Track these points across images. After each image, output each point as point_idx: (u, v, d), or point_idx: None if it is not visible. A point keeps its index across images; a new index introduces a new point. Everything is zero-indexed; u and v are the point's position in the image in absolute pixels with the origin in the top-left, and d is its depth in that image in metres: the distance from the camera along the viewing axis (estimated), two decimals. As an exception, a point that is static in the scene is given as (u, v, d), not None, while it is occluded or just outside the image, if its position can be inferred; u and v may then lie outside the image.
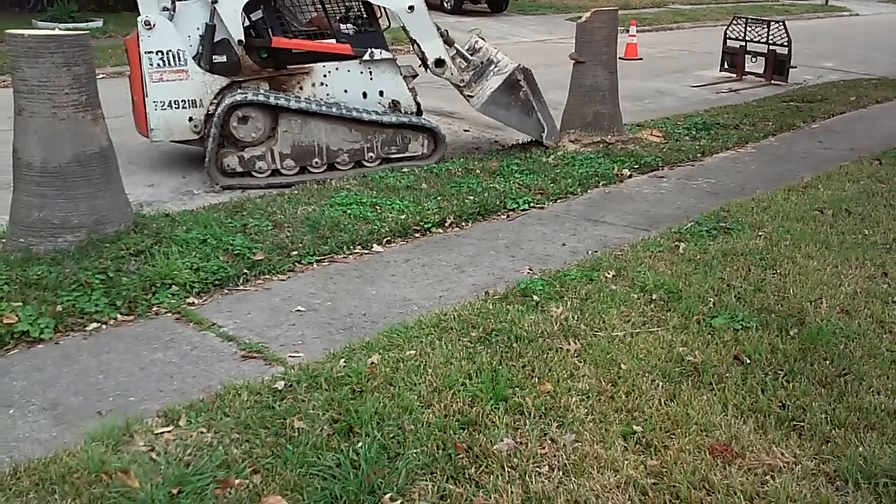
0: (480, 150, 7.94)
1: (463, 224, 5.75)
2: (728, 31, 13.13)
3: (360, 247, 5.22)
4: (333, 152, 6.84)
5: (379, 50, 6.96)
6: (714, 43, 14.59)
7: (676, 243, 5.13)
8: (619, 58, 7.99)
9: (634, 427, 3.09)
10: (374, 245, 5.28)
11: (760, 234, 5.29)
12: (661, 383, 3.40)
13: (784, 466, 2.89)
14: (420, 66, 7.37)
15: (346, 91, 6.98)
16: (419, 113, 7.32)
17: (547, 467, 2.86)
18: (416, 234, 5.52)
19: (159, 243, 4.73)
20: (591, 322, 3.95)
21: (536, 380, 3.41)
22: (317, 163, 6.83)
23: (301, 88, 6.92)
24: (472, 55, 7.67)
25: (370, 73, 7.01)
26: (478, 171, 6.80)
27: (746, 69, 12.90)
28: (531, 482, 2.77)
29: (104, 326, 4.03)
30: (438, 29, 7.29)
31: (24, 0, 17.20)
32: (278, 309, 4.31)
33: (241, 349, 3.84)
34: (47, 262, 4.39)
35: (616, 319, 3.98)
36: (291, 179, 6.75)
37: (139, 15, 6.40)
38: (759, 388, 3.38)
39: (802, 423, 3.14)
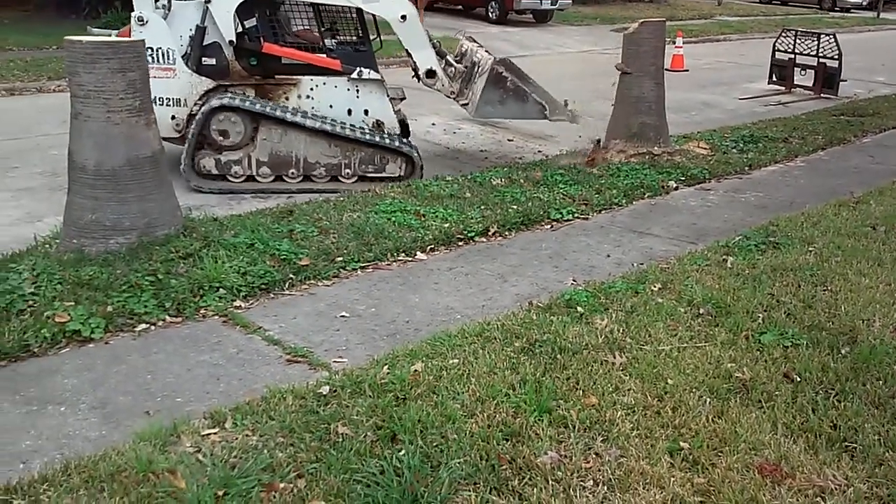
0: (524, 160, 7.92)
1: (506, 233, 5.73)
2: (777, 44, 12.94)
3: (403, 254, 5.23)
4: (310, 165, 6.84)
5: (368, 70, 6.94)
6: (762, 55, 14.40)
7: (724, 257, 5.06)
8: (665, 69, 7.91)
9: (681, 444, 3.04)
10: (418, 253, 5.29)
11: (810, 249, 5.19)
12: (708, 399, 3.34)
13: (836, 489, 2.82)
14: (413, 78, 7.34)
15: (331, 106, 6.97)
16: (406, 134, 7.32)
17: (591, 482, 2.83)
18: (460, 243, 5.52)
19: (207, 247, 4.79)
20: (636, 335, 3.91)
21: (581, 392, 3.38)
22: (293, 173, 6.83)
23: (287, 99, 6.94)
24: (460, 61, 7.63)
25: (357, 91, 6.99)
26: (521, 181, 6.79)
27: (795, 82, 12.71)
28: (575, 497, 2.74)
29: (153, 328, 4.09)
30: (431, 40, 7.26)
31: (79, 7, 17.62)
32: (323, 314, 4.34)
33: (287, 353, 3.87)
34: (99, 263, 4.47)
35: (662, 333, 3.93)
36: (266, 187, 6.79)
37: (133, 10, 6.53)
38: (809, 407, 3.31)
39: (854, 445, 3.07)
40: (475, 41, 8.23)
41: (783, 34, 12.98)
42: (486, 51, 7.58)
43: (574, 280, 4.87)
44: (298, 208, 5.89)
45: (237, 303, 4.39)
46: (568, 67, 15.40)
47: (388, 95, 7.10)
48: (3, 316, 3.93)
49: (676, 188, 6.93)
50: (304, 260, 4.88)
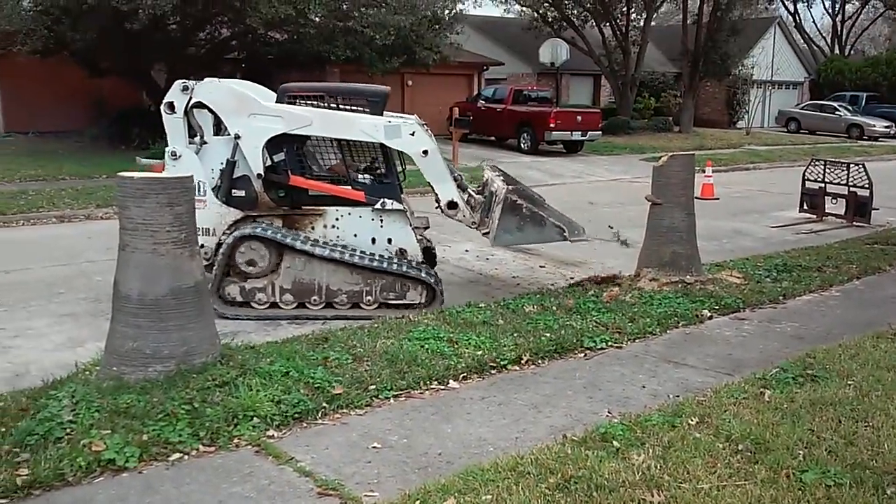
0: (556, 287, 7.98)
1: (539, 362, 5.72)
2: (806, 173, 13.13)
3: (436, 382, 5.23)
4: (333, 292, 7.00)
5: (391, 201, 7.17)
6: (791, 183, 14.58)
7: (761, 390, 4.98)
8: (696, 197, 8.05)
9: (723, 590, 2.93)
10: (451, 381, 5.29)
11: (850, 383, 5.10)
12: (750, 542, 3.24)
13: None
14: (436, 209, 7.55)
15: (355, 235, 7.20)
16: (431, 262, 7.52)
17: None
18: (493, 371, 5.51)
19: (243, 375, 4.85)
20: (674, 472, 3.83)
21: (618, 532, 3.29)
22: (315, 300, 7.00)
23: (313, 228, 7.18)
24: (481, 192, 7.85)
25: (381, 221, 7.22)
26: (554, 308, 6.82)
27: (827, 210, 12.79)
28: None
29: (187, 457, 4.10)
30: (453, 173, 7.51)
31: (129, 139, 18.56)
32: (355, 445, 4.32)
33: (318, 486, 3.84)
34: (137, 390, 4.54)
35: (701, 470, 3.85)
36: (289, 314, 6.95)
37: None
38: (857, 552, 3.18)
39: None
40: (497, 170, 8.47)
41: (812, 163, 13.18)
42: (502, 180, 7.80)
43: (609, 412, 4.81)
44: (333, 335, 5.96)
45: (270, 432, 4.40)
46: (598, 195, 15.70)
47: (411, 225, 7.31)
48: (41, 444, 3.99)
49: (710, 317, 6.90)
50: (337, 388, 4.90)
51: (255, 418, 4.43)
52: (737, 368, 5.62)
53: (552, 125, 21.64)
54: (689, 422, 4.45)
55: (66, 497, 3.69)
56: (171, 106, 6.96)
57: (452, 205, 7.39)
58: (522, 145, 22.47)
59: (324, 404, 4.72)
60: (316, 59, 18.77)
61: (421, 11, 18.48)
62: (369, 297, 7.08)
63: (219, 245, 6.91)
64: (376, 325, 6.28)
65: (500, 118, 23.17)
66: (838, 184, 12.62)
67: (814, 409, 4.64)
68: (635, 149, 24.04)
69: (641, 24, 30.60)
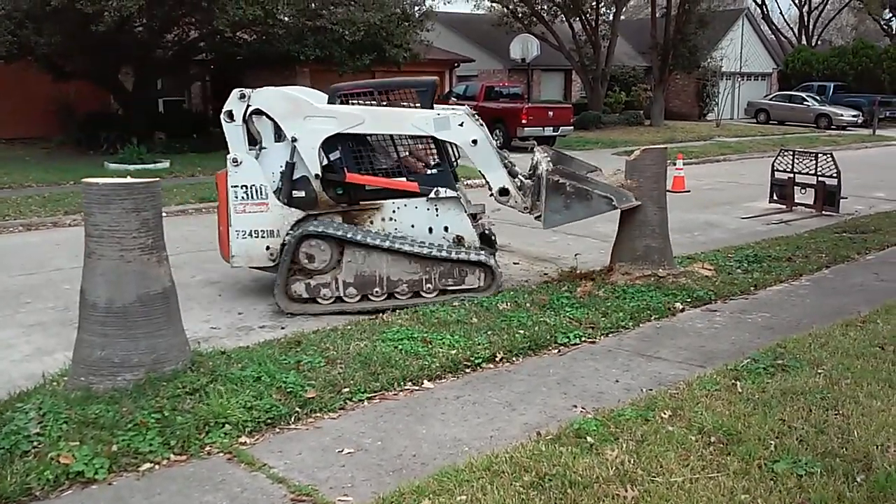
0: (530, 283, 7.99)
1: (513, 359, 5.72)
2: (775, 164, 13.25)
3: (410, 383, 5.22)
4: (393, 282, 7.13)
5: (445, 189, 7.31)
6: (761, 174, 14.70)
7: (733, 381, 5.02)
8: (667, 190, 8.08)
9: (697, 583, 2.94)
10: (425, 381, 5.28)
11: (820, 371, 5.15)
12: (723, 534, 3.25)
13: None
14: (490, 196, 7.66)
15: (412, 226, 7.34)
16: (491, 246, 7.64)
17: None
18: (467, 370, 5.51)
19: (214, 381, 4.80)
20: (647, 466, 3.84)
21: (592, 529, 3.29)
22: (377, 292, 7.12)
23: (371, 222, 7.32)
24: (531, 176, 7.95)
25: (436, 209, 7.36)
26: (528, 305, 6.83)
27: (796, 200, 12.92)
28: None
29: (157, 467, 4.05)
30: (504, 160, 7.65)
31: (97, 144, 18.32)
32: (328, 449, 4.29)
33: (291, 492, 3.81)
34: (106, 400, 4.47)
35: (674, 464, 3.86)
36: (354, 307, 7.05)
37: (228, 153, 7.06)
38: (828, 541, 3.21)
39: (878, 582, 2.96)
40: (546, 150, 8.57)
41: (781, 154, 13.31)
42: (549, 160, 7.91)
43: (583, 408, 4.82)
44: (306, 338, 5.92)
45: (242, 438, 4.35)
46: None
47: (466, 211, 7.43)
48: (6, 458, 3.92)
49: (683, 310, 6.95)
50: (310, 392, 4.86)
51: (226, 425, 4.38)
52: (709, 360, 5.66)
53: (524, 121, 21.69)
54: (662, 415, 4.48)
55: (34, 512, 3.63)
56: (230, 115, 7.10)
57: (504, 192, 7.53)
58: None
59: (296, 409, 4.68)
60: (285, 58, 18.66)
61: (390, 8, 18.43)
62: (429, 285, 7.20)
63: (283, 245, 7.05)
64: (350, 328, 6.24)
65: (472, 115, 23.15)
66: (807, 174, 12.75)
67: (785, 398, 4.68)
68: (607, 143, 24.14)
69: (611, 18, 30.77)
